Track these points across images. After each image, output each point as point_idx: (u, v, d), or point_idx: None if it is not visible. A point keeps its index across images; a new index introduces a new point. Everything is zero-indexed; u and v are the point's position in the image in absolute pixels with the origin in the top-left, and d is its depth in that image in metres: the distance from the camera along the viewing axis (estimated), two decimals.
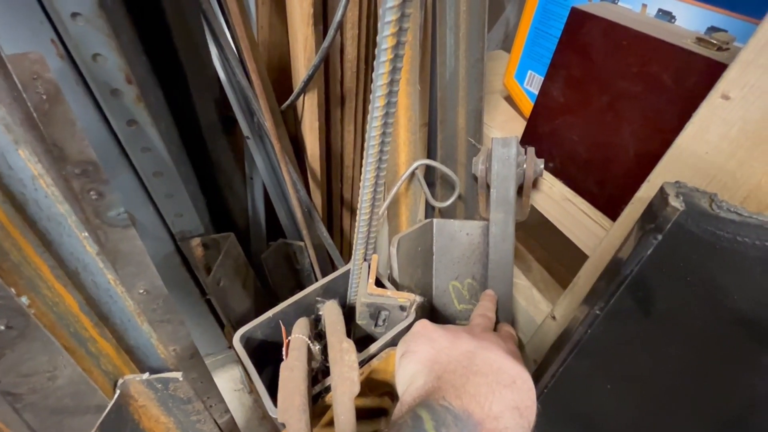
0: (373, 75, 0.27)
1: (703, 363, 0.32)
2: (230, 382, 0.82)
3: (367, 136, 0.30)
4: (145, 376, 0.29)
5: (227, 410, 0.52)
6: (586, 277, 0.45)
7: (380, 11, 0.24)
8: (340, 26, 0.54)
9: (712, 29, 0.39)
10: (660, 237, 0.27)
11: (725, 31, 0.38)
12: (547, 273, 0.75)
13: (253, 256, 0.67)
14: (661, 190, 0.29)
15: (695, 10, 0.40)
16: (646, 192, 0.37)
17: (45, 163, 0.24)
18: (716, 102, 0.31)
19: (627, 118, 0.43)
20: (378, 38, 0.25)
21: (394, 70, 0.27)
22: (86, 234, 0.24)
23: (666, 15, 0.42)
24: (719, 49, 0.35)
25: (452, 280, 0.62)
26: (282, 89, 0.61)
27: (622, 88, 0.43)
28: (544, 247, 0.81)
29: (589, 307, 0.32)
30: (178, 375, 0.29)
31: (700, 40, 0.36)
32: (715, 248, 0.29)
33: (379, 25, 0.25)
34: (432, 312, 0.63)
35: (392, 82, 0.28)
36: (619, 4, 0.47)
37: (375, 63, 0.26)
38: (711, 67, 0.35)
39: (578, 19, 0.45)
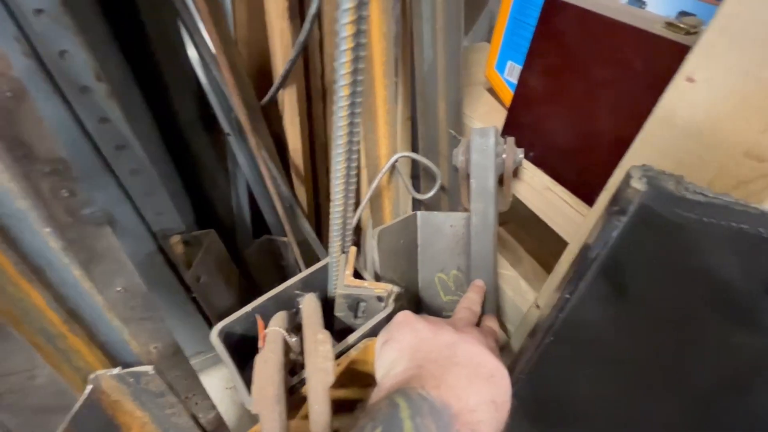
0: (335, 65, 0.27)
1: (677, 343, 0.33)
2: (222, 380, 0.83)
3: (334, 127, 0.30)
4: (116, 370, 0.29)
5: (213, 407, 0.52)
6: (566, 264, 0.45)
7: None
8: (317, 20, 0.54)
9: (683, 14, 0.40)
10: (624, 219, 0.28)
11: (694, 15, 0.39)
12: (537, 264, 0.76)
13: (240, 253, 0.67)
14: (627, 173, 0.29)
15: None
16: (618, 177, 0.37)
17: (6, 159, 0.24)
18: (682, 85, 0.31)
19: (602, 105, 0.43)
20: (337, 27, 0.25)
21: (357, 59, 0.27)
22: (49, 230, 0.24)
23: (638, 1, 0.42)
24: (687, 33, 0.36)
25: (438, 272, 0.62)
26: (264, 85, 0.60)
27: (597, 75, 0.43)
28: (535, 238, 0.81)
29: (560, 292, 0.32)
30: (148, 368, 0.29)
31: (669, 24, 0.37)
32: (684, 229, 0.29)
33: (337, 13, 0.25)
34: (419, 304, 0.63)
35: (356, 71, 0.27)
36: None
37: (336, 53, 0.26)
38: (679, 51, 0.35)
39: (552, 7, 0.45)
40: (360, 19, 0.25)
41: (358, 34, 0.26)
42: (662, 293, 0.31)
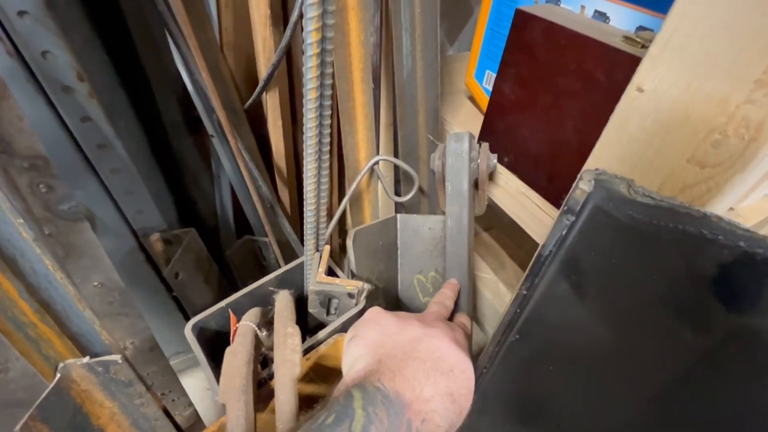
0: (303, 69, 0.28)
1: (631, 342, 0.34)
2: (203, 380, 0.83)
3: (304, 128, 0.32)
4: (86, 359, 0.29)
5: (190, 404, 0.52)
6: None
7: (302, 8, 0.26)
8: (300, 27, 0.56)
9: (641, 28, 0.42)
10: (572, 218, 0.29)
11: (651, 30, 0.41)
12: (521, 270, 0.77)
13: (222, 253, 0.68)
14: (579, 176, 0.31)
15: (626, 11, 0.43)
16: None
17: None
18: (633, 94, 0.33)
19: (568, 114, 0.45)
20: (303, 34, 0.27)
21: (323, 64, 0.28)
22: (21, 221, 0.25)
23: (601, 16, 0.45)
24: (643, 46, 0.38)
25: (416, 274, 0.64)
26: (251, 88, 0.62)
27: (563, 85, 0.45)
28: (519, 245, 0.83)
29: (518, 290, 0.34)
30: (117, 357, 0.30)
31: (626, 38, 0.39)
32: (635, 231, 0.31)
33: (303, 21, 0.26)
34: (398, 305, 0.65)
35: (322, 75, 0.29)
36: (561, 5, 0.49)
37: (303, 58, 0.28)
38: (635, 63, 0.36)
39: (522, 20, 0.47)
40: (325, 27, 0.27)
41: (323, 40, 0.27)
42: (617, 292, 0.33)
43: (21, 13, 0.33)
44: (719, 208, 0.31)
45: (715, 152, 0.29)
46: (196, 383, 0.81)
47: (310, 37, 0.26)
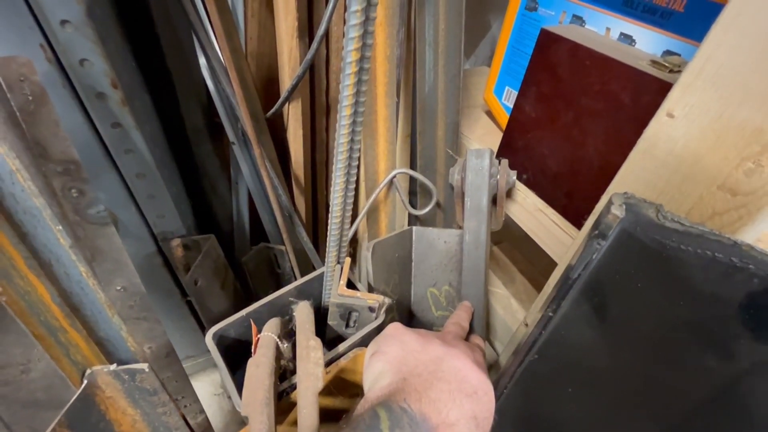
0: (340, 86, 0.29)
1: (655, 367, 0.34)
2: (211, 386, 0.82)
3: (336, 143, 0.32)
4: (113, 367, 0.29)
5: (202, 410, 0.52)
6: (553, 284, 0.47)
7: (344, 28, 0.26)
8: (325, 39, 0.57)
9: (668, 53, 0.42)
10: (603, 242, 0.29)
11: (679, 55, 0.41)
12: (530, 285, 0.77)
13: (237, 260, 0.68)
14: (609, 200, 0.31)
15: (653, 34, 0.43)
16: (603, 203, 0.39)
17: (24, 159, 0.26)
18: (663, 120, 0.33)
19: (591, 134, 0.46)
20: (343, 53, 0.27)
21: (360, 82, 0.29)
22: (60, 227, 0.25)
23: (627, 38, 0.45)
24: (671, 71, 0.38)
25: (430, 287, 0.64)
26: (272, 98, 0.63)
27: (586, 105, 0.45)
28: (529, 260, 0.83)
29: (543, 311, 0.34)
30: (144, 366, 0.30)
31: (654, 62, 0.39)
32: (662, 256, 0.31)
33: (343, 41, 0.27)
34: (410, 318, 0.64)
35: (358, 93, 0.29)
36: (586, 27, 0.50)
37: (341, 75, 0.28)
38: (662, 87, 0.37)
39: (547, 39, 0.47)
40: (365, 47, 0.27)
41: (362, 59, 0.28)
42: (641, 316, 0.33)
43: (63, 22, 0.34)
44: (749, 236, 0.31)
45: (747, 180, 0.29)
46: (204, 387, 0.81)
47: (350, 56, 0.27)
